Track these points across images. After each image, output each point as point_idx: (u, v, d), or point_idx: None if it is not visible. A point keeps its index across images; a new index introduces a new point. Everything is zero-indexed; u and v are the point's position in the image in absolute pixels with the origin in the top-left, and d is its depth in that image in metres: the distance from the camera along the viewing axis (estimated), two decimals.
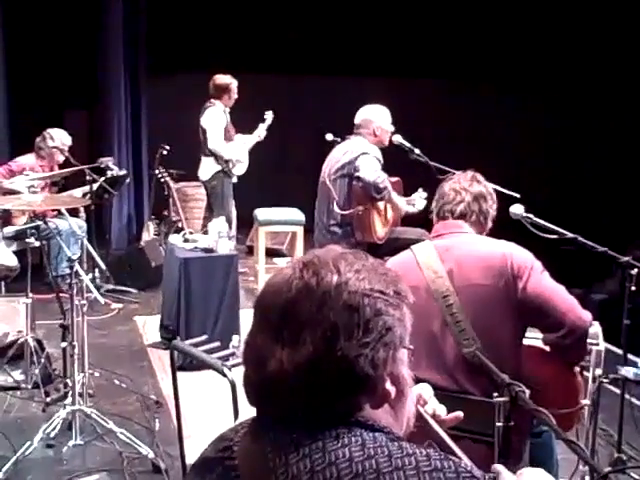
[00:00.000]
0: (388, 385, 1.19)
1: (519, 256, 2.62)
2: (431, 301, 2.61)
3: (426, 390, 1.36)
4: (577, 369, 2.75)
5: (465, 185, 2.86)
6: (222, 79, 7.13)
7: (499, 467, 1.37)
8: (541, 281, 2.58)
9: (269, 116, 7.45)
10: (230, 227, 7.14)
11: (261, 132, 7.44)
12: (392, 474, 1.10)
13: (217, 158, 7.11)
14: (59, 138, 6.84)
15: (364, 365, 1.15)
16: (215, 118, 7.06)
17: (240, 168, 7.31)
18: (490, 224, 2.89)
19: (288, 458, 1.14)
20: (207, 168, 7.18)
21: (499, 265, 2.58)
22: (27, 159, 6.76)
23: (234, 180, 7.32)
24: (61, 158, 6.86)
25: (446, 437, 1.35)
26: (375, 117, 5.31)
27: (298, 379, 1.13)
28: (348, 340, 1.14)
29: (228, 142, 7.14)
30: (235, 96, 7.17)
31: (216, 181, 7.17)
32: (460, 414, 1.43)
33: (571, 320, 2.56)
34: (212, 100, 7.12)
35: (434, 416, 1.39)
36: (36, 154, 6.82)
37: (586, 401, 2.80)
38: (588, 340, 2.67)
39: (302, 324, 1.14)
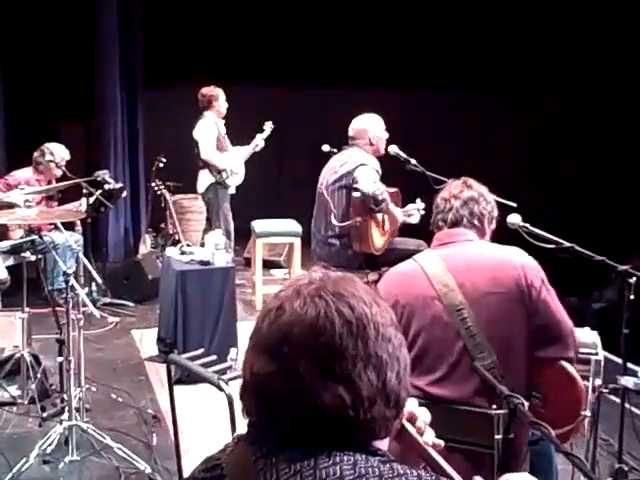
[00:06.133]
0: None
1: (531, 265, 2.63)
2: (447, 314, 2.59)
3: (413, 405, 1.34)
4: (578, 377, 2.72)
5: (455, 192, 2.86)
6: (207, 90, 7.25)
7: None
8: (549, 291, 2.60)
9: (268, 127, 7.46)
10: (229, 239, 7.13)
11: (259, 142, 7.44)
12: None
13: (211, 169, 7.12)
14: (58, 153, 6.84)
15: (403, 394, 1.21)
16: (206, 129, 7.12)
17: (235, 179, 7.30)
18: (491, 225, 2.88)
19: (279, 474, 1.13)
20: (202, 180, 7.21)
21: (512, 274, 2.58)
22: (24, 173, 6.75)
23: (231, 191, 7.31)
24: (58, 172, 6.85)
25: (437, 456, 1.33)
26: (370, 126, 5.30)
27: (357, 412, 1.15)
28: (391, 371, 1.18)
29: (222, 152, 7.14)
30: (225, 105, 7.22)
31: (211, 193, 7.20)
32: (441, 443, 1.41)
33: (568, 332, 2.59)
34: (204, 113, 7.19)
35: (422, 434, 1.37)
36: (34, 168, 6.81)
37: (587, 412, 2.78)
38: (586, 350, 2.66)
39: (353, 359, 1.15)
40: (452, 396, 2.56)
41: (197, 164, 7.18)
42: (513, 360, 2.53)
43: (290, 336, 1.16)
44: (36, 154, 6.82)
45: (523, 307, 2.56)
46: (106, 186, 6.73)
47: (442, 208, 2.84)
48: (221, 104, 7.22)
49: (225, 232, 7.02)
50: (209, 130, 7.12)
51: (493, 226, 2.90)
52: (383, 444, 1.22)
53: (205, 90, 7.24)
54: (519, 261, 2.63)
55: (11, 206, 5.27)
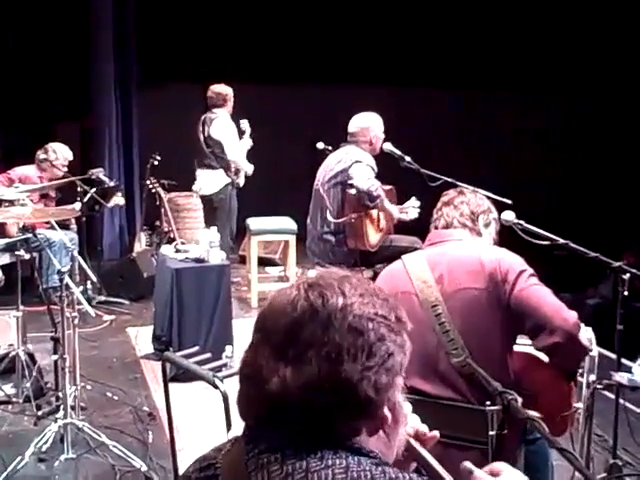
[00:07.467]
0: (386, 411, 1.19)
1: (508, 260, 2.62)
2: (422, 309, 2.61)
3: (407, 409, 1.34)
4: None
5: (445, 200, 2.90)
6: (220, 87, 7.02)
7: (468, 465, 1.34)
8: (528, 285, 2.56)
9: (245, 124, 7.17)
10: (232, 238, 7.06)
11: (248, 141, 7.26)
12: None
13: (227, 170, 6.93)
14: (60, 152, 6.87)
15: (366, 389, 1.15)
16: (227, 128, 6.92)
17: (243, 179, 7.24)
18: (488, 227, 2.86)
19: (271, 476, 1.13)
20: (215, 181, 6.96)
21: (489, 269, 2.58)
22: (26, 169, 6.75)
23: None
24: (60, 173, 6.84)
25: (430, 458, 1.33)
26: (372, 125, 5.28)
27: (300, 398, 1.13)
28: (352, 362, 1.14)
29: None
30: (232, 104, 7.11)
31: (224, 194, 6.96)
32: (437, 434, 1.40)
33: (557, 323, 2.52)
34: (214, 110, 6.96)
35: (416, 435, 1.37)
36: (37, 166, 6.83)
37: (579, 405, 2.79)
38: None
39: (307, 344, 1.14)
40: (434, 392, 2.56)
41: (209, 164, 6.93)
42: (487, 357, 2.52)
43: (261, 324, 1.20)
44: (39, 152, 6.85)
45: (498, 302, 2.55)
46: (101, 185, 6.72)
47: (435, 217, 2.88)
48: (231, 104, 7.06)
49: (230, 232, 6.96)
50: (231, 130, 6.91)
51: (492, 227, 2.89)
52: (374, 445, 1.20)
53: (218, 88, 6.99)
54: (496, 256, 2.63)
55: (12, 202, 5.27)
